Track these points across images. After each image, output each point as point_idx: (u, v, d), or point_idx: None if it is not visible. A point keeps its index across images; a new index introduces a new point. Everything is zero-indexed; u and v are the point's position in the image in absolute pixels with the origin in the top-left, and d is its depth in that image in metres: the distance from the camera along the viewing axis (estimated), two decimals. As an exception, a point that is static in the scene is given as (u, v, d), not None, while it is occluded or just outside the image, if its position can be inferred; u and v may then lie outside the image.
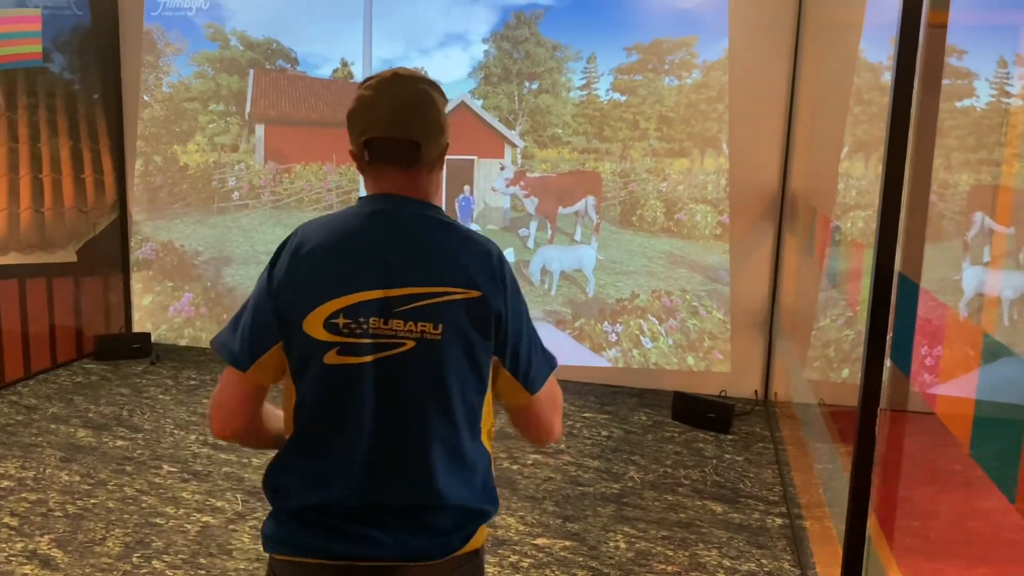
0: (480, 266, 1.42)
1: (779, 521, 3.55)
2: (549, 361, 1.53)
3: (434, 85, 1.48)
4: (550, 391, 1.52)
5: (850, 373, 4.91)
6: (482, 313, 1.40)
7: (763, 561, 3.21)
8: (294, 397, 1.45)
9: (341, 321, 1.38)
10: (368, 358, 1.38)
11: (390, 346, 1.38)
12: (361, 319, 1.37)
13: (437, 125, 1.45)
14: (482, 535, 1.52)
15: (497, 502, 1.54)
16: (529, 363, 1.47)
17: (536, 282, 5.29)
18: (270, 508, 1.53)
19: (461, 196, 5.40)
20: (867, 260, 2.38)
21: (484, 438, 1.50)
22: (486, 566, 1.63)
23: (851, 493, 2.13)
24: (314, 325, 1.38)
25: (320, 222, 1.48)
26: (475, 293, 1.39)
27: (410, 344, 1.38)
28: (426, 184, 1.48)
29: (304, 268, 1.41)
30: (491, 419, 1.53)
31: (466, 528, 1.47)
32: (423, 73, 1.52)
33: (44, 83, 5.21)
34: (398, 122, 1.42)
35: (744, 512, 3.62)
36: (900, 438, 2.21)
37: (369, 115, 1.43)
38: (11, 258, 5.01)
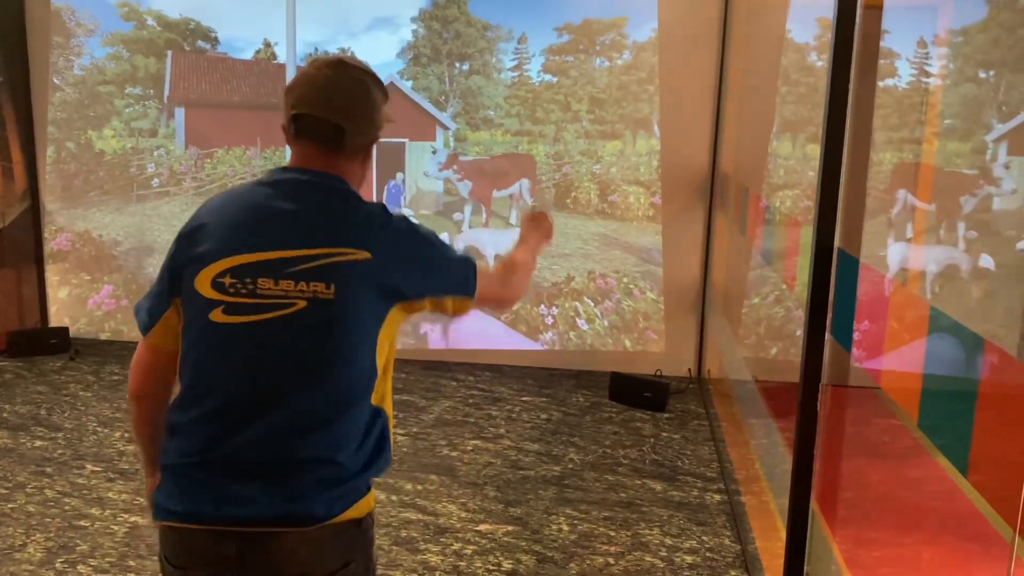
0: (374, 227, 1.46)
1: (717, 497, 3.59)
2: (467, 271, 1.57)
3: (376, 81, 1.53)
4: (486, 283, 1.60)
5: (783, 349, 5.01)
6: (374, 275, 1.42)
7: (704, 538, 3.24)
8: (180, 352, 1.49)
9: (227, 280, 1.42)
10: (255, 317, 1.41)
11: (280, 306, 1.40)
12: (248, 279, 1.41)
13: (367, 116, 1.50)
14: (366, 503, 1.49)
15: (387, 463, 1.52)
16: (452, 287, 1.54)
17: None
18: None
19: (391, 183, 5.30)
20: (804, 237, 2.40)
21: (376, 399, 1.48)
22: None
23: (794, 469, 2.15)
24: (203, 283, 1.43)
25: (227, 191, 1.56)
26: (365, 255, 1.42)
27: (301, 304, 1.40)
28: (343, 170, 1.51)
29: (200, 230, 1.47)
30: (387, 380, 1.52)
31: (347, 492, 1.44)
32: (369, 67, 1.56)
33: (-57, 65, 4.91)
34: (328, 103, 1.46)
35: (683, 490, 3.65)
36: (841, 413, 2.24)
37: (303, 91, 1.47)
38: (-87, 252, 4.72)
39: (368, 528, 1.50)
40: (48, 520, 3.24)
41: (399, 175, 5.28)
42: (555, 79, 5.06)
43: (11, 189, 5.40)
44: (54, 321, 5.66)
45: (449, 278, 1.54)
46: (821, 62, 4.81)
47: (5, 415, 4.31)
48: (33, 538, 3.10)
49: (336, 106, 1.46)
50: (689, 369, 5.11)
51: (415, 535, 3.20)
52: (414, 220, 1.55)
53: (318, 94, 1.46)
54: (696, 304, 5.08)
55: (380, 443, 1.49)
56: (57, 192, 5.57)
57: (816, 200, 1.97)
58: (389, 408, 1.53)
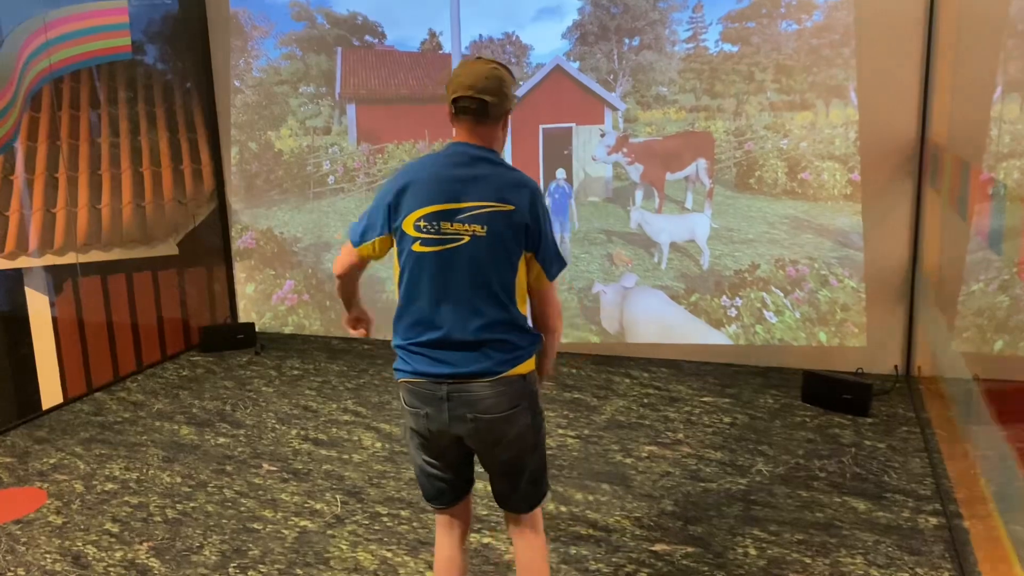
0: (516, 191, 2.12)
1: (933, 521, 3.11)
2: (559, 261, 2.22)
3: (505, 67, 2.19)
4: (555, 290, 2.25)
5: (1011, 343, 4.33)
6: (514, 221, 2.10)
7: (918, 570, 2.80)
8: (397, 271, 2.19)
9: (423, 224, 2.11)
10: (439, 248, 2.10)
11: (454, 239, 2.09)
12: (434, 222, 2.09)
13: (502, 92, 2.15)
14: (527, 366, 2.18)
15: (535, 339, 2.20)
16: (547, 260, 2.18)
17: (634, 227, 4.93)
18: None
19: (553, 184, 5.04)
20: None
21: (520, 304, 2.17)
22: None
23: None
24: (408, 225, 2.12)
25: (420, 160, 2.21)
26: (509, 207, 2.09)
27: (467, 239, 2.09)
28: (491, 135, 2.17)
29: (406, 189, 2.14)
30: (525, 295, 2.21)
31: (513, 358, 2.14)
32: (499, 61, 2.24)
33: (141, 75, 5.17)
34: (474, 86, 2.12)
35: (891, 510, 3.19)
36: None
37: (456, 81, 2.14)
38: (115, 254, 5.02)
39: (532, 382, 2.21)
40: (224, 522, 3.28)
41: (560, 172, 5.01)
42: (735, 48, 4.62)
43: (201, 190, 5.66)
44: (242, 316, 5.90)
45: (545, 251, 2.16)
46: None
47: (195, 411, 4.49)
48: (210, 540, 3.15)
49: (480, 87, 2.12)
50: (896, 366, 4.55)
51: (585, 553, 2.97)
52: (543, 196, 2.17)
53: (467, 80, 2.12)
54: (903, 293, 4.51)
55: (530, 333, 2.19)
56: (241, 192, 5.78)
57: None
58: (524, 310, 2.20)
